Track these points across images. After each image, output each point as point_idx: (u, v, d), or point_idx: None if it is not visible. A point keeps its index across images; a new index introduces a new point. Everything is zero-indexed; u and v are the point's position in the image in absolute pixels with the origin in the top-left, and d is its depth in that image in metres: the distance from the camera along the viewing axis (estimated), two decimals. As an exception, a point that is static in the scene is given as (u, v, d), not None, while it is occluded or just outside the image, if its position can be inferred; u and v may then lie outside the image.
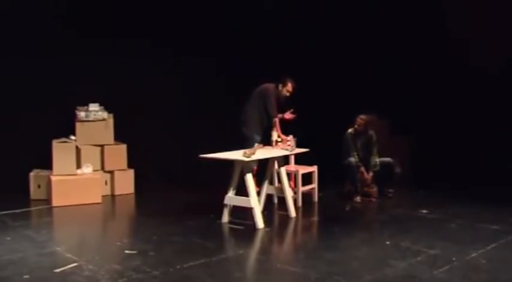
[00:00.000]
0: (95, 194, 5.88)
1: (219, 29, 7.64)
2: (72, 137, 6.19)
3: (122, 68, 6.91)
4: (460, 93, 7.53)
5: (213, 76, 7.60)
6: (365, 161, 6.11)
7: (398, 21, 7.79)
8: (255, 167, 5.84)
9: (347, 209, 5.78)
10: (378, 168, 6.05)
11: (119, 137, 6.46)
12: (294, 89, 5.98)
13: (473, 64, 7.24)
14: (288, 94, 6.01)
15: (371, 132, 6.12)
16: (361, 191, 6.10)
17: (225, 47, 7.65)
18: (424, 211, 5.54)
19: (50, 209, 5.66)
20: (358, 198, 6.02)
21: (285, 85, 5.96)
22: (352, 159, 5.99)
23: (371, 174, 6.07)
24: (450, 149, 7.58)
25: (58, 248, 4.29)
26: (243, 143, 5.62)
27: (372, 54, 8.10)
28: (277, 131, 5.79)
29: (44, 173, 6.11)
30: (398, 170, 6.15)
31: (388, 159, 6.12)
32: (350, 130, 6.11)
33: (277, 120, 5.91)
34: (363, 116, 6.07)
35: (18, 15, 6.31)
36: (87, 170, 6.08)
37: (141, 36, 7.00)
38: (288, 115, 6.11)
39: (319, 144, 5.98)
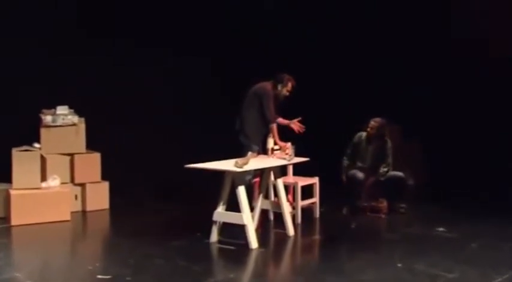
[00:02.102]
0: (63, 211, 5.80)
1: (219, 29, 8.11)
2: (36, 145, 6.09)
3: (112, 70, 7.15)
4: (460, 93, 7.83)
5: (212, 76, 8.02)
6: (374, 170, 6.06)
7: (399, 21, 8.13)
8: (257, 179, 5.74)
9: (353, 226, 5.73)
10: (383, 178, 6.00)
11: (92, 145, 6.38)
12: (293, 88, 5.97)
13: (473, 64, 7.61)
14: (287, 94, 5.98)
15: (387, 139, 6.09)
16: (369, 206, 6.06)
17: (224, 47, 8.09)
18: (441, 229, 5.49)
19: (8, 228, 5.55)
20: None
21: (284, 85, 5.91)
22: (360, 174, 5.94)
23: (373, 179, 6.02)
24: (458, 153, 7.79)
25: (17, 274, 4.18)
26: (241, 152, 5.49)
27: (373, 55, 8.40)
28: (274, 137, 5.70)
29: (1, 186, 5.98)
30: (410, 182, 6.01)
31: (399, 173, 6.06)
32: (363, 133, 6.08)
33: (274, 126, 5.81)
34: (376, 119, 6.06)
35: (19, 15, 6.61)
36: (53, 182, 5.98)
37: (140, 36, 7.39)
38: (295, 125, 5.97)
39: (320, 152, 5.99)
